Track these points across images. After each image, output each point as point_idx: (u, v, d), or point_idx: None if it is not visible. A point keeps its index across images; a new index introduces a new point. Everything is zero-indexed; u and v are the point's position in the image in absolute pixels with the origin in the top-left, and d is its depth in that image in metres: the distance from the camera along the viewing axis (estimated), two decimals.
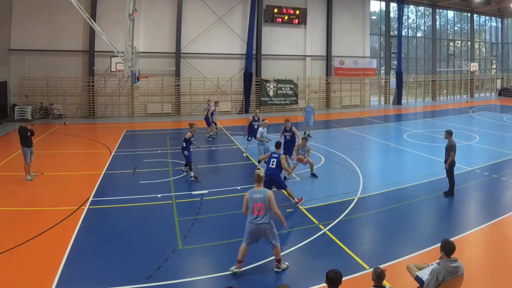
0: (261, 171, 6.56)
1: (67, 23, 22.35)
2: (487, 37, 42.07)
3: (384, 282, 4.50)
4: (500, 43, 42.12)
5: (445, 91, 37.80)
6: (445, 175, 9.97)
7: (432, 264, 5.00)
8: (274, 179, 9.08)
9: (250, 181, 11.20)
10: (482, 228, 8.04)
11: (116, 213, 8.99)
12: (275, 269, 6.37)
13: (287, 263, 6.49)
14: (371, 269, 4.69)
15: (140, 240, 7.48)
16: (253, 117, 14.63)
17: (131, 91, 24.29)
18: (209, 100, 19.61)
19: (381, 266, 4.67)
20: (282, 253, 6.89)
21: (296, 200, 9.26)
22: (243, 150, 14.61)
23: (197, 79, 25.41)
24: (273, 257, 6.49)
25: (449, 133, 9.84)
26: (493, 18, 41.36)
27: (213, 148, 15.89)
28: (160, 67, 24.41)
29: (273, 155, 9.31)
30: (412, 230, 7.99)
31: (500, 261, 6.73)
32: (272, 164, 9.11)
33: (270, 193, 6.15)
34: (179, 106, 25.29)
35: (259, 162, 11.56)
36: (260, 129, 12.52)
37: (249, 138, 14.20)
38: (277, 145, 9.73)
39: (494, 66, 43.25)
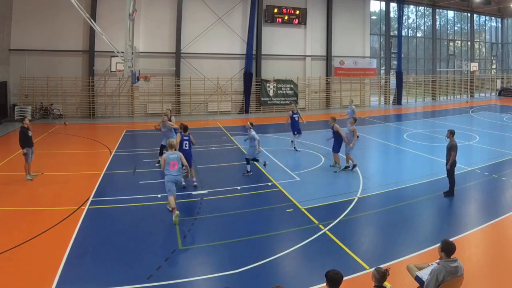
0: (174, 140, 8.88)
1: (67, 23, 22.36)
2: (487, 37, 42.07)
3: (385, 283, 4.50)
4: (500, 43, 42.12)
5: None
6: (445, 175, 9.97)
7: (432, 264, 4.99)
8: (187, 160, 9.69)
9: (251, 181, 11.25)
10: (482, 228, 8.03)
11: (116, 213, 8.98)
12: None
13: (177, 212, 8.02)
14: (371, 269, 4.68)
15: (140, 240, 7.48)
16: (292, 111, 15.32)
17: (131, 91, 24.29)
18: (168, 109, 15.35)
19: (381, 266, 4.66)
20: (281, 253, 6.92)
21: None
22: (293, 143, 15.17)
23: (197, 79, 25.42)
24: (272, 258, 6.51)
25: (451, 133, 9.81)
26: (493, 18, 41.36)
27: (213, 148, 15.88)
28: (160, 67, 24.42)
29: (184, 137, 10.30)
30: (412, 230, 7.98)
31: (500, 261, 6.73)
32: (185, 146, 10.22)
33: (180, 153, 8.59)
34: (179, 106, 25.27)
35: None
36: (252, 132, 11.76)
37: (295, 132, 14.94)
38: (184, 128, 10.47)
39: (494, 66, 43.25)
